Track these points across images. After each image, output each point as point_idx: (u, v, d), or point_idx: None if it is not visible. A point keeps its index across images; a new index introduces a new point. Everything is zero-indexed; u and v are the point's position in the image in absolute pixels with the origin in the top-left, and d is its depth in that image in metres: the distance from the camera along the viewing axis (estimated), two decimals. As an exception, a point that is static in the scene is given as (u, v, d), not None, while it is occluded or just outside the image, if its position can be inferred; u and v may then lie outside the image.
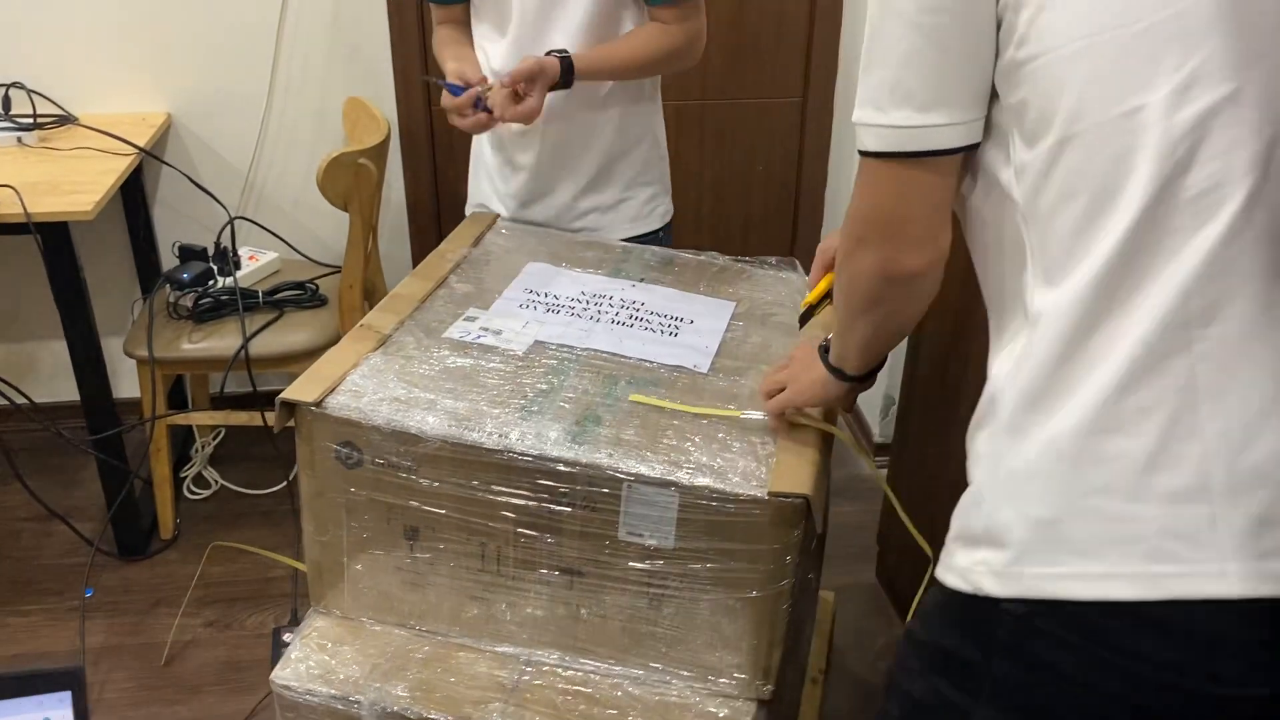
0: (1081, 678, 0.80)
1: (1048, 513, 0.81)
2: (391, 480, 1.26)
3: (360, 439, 1.24)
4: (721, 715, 1.27)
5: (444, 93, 1.67)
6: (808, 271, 1.68)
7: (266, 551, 2.19)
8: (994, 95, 0.87)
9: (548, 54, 1.61)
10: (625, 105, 1.73)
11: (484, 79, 1.66)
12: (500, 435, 1.21)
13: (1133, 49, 0.77)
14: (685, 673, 1.29)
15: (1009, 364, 0.87)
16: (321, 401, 1.24)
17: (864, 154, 0.91)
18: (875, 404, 2.62)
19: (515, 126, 1.70)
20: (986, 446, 0.87)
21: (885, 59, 0.87)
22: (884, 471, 2.25)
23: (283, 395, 1.24)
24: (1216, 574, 0.76)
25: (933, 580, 0.93)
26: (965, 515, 0.89)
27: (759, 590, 1.22)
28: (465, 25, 1.77)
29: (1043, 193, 0.83)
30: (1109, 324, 0.79)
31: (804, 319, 1.31)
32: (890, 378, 2.74)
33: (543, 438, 1.21)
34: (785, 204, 2.79)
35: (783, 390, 1.24)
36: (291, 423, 1.28)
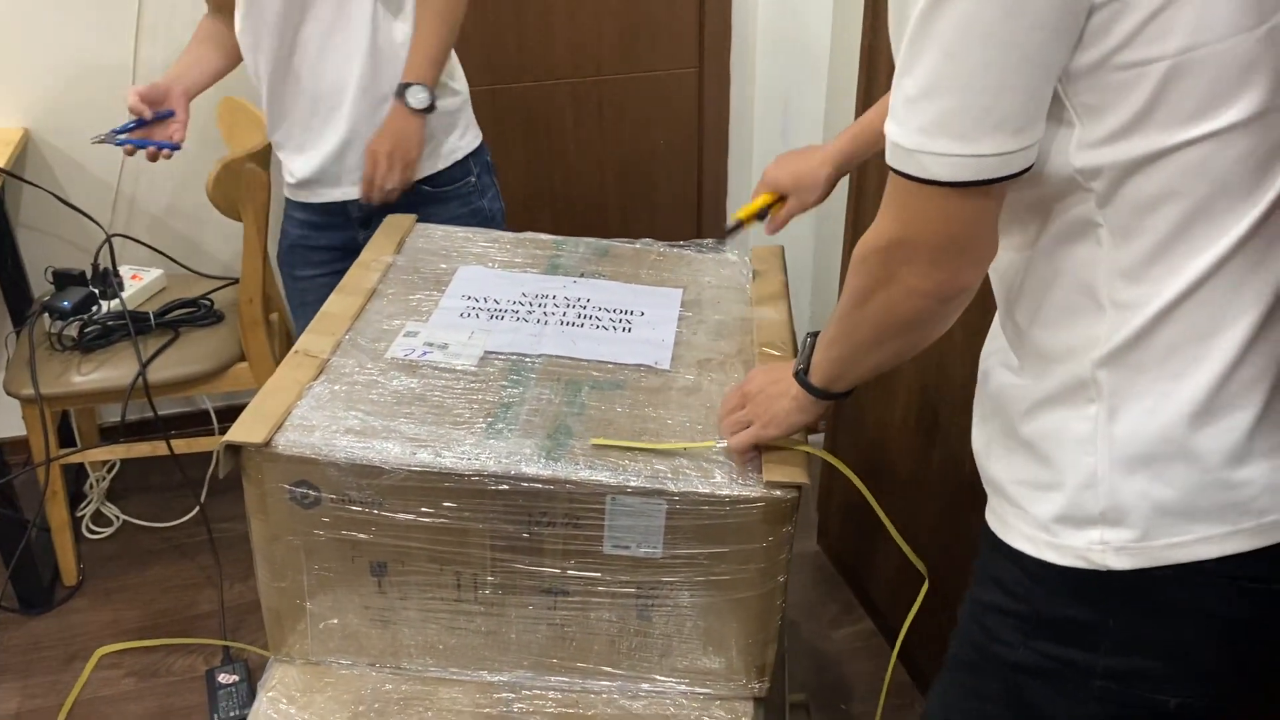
0: (1202, 609, 0.87)
1: (1171, 491, 0.85)
2: (353, 516, 1.18)
3: (316, 477, 1.16)
4: (720, 718, 1.24)
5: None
6: (741, 253, 1.65)
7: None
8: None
9: (397, 94, 1.68)
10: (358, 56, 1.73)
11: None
12: (470, 459, 1.14)
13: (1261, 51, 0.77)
14: (680, 680, 1.25)
15: (1096, 350, 0.86)
16: (270, 441, 1.15)
17: (927, 182, 0.82)
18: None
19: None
20: (1087, 429, 0.88)
21: (970, 82, 0.78)
22: (819, 437, 2.26)
23: (227, 438, 1.14)
24: None
25: (1010, 554, 0.94)
26: (1073, 496, 0.89)
27: (752, 590, 1.18)
28: (226, 16, 1.79)
29: (1130, 184, 0.81)
30: (1220, 314, 0.82)
31: (731, 231, 1.37)
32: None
33: (515, 456, 1.14)
34: (689, 178, 2.75)
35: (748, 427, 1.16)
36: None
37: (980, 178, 0.81)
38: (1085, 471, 0.88)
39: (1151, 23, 0.75)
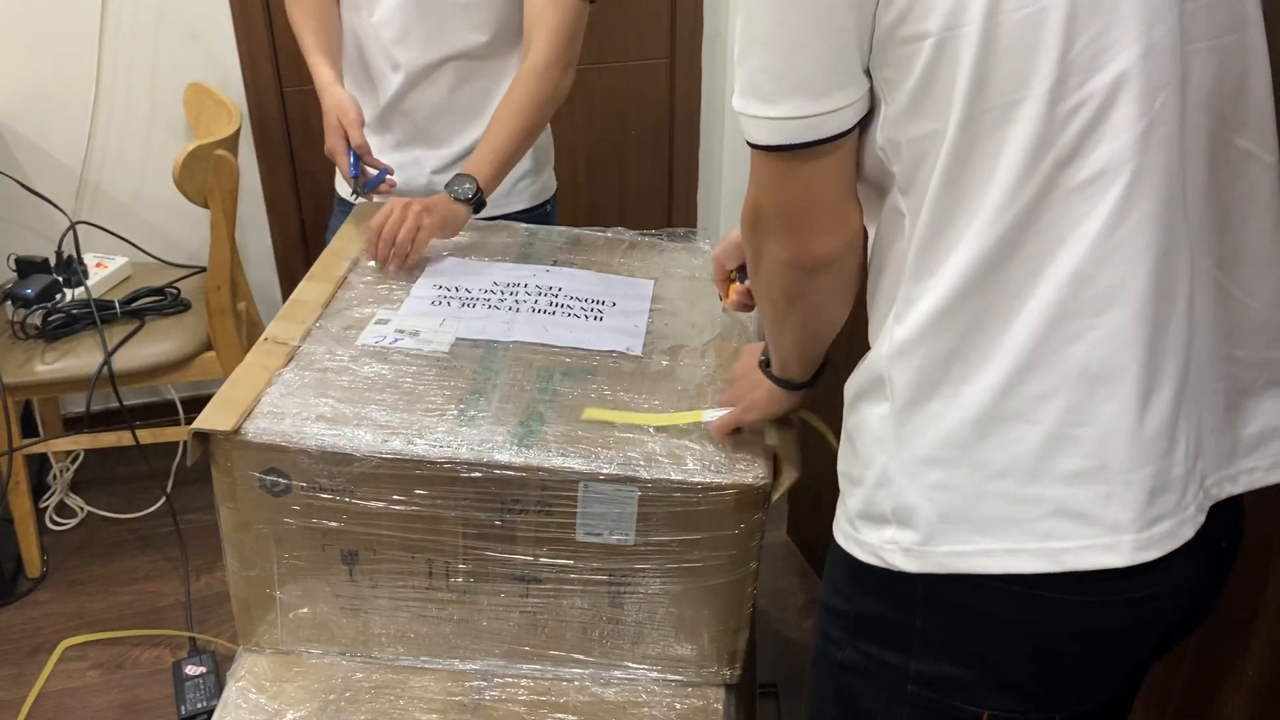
0: (1001, 617, 0.85)
1: (954, 497, 0.83)
2: (324, 504, 1.17)
3: (286, 464, 1.15)
4: (692, 705, 1.24)
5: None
6: (713, 243, 1.65)
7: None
8: None
9: (449, 186, 1.53)
10: (505, 78, 1.67)
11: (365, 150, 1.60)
12: (442, 446, 1.13)
13: (1021, 34, 0.75)
14: (652, 667, 1.25)
15: (888, 345, 0.86)
16: (239, 429, 1.14)
17: (754, 147, 0.84)
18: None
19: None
20: (882, 427, 0.87)
21: (768, 43, 0.79)
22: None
23: (195, 425, 1.13)
24: (1111, 546, 0.80)
25: (837, 551, 0.94)
26: (870, 494, 0.88)
27: (724, 577, 1.19)
28: None
29: (920, 169, 0.81)
30: (999, 314, 0.80)
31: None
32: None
33: (488, 444, 1.14)
34: (659, 168, 2.75)
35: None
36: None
37: (789, 141, 0.81)
38: (879, 469, 0.87)
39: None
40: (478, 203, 1.53)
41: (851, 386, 0.93)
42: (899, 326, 0.84)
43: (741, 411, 1.15)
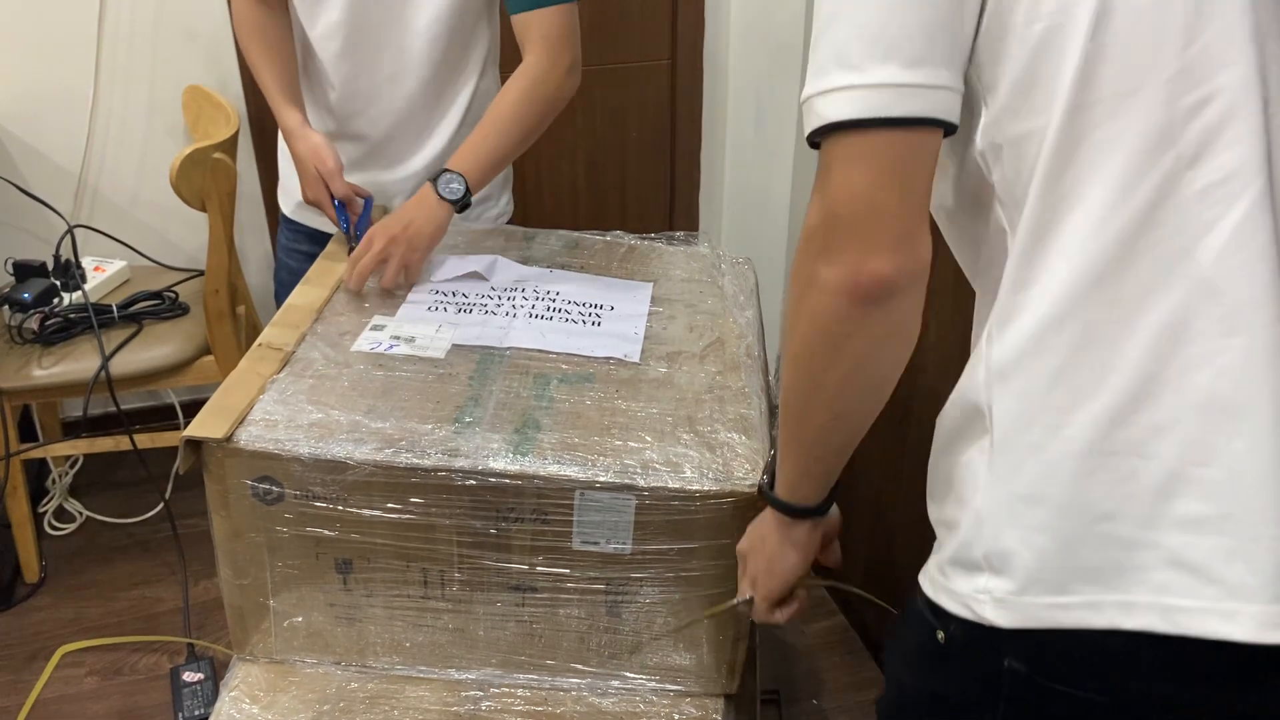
0: (1091, 705, 0.75)
1: (1056, 540, 0.74)
2: (317, 513, 1.15)
3: (279, 472, 1.13)
4: (690, 715, 1.22)
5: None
6: (714, 244, 1.64)
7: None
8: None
9: (435, 182, 1.46)
10: (470, 88, 1.65)
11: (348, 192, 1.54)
12: (436, 454, 1.12)
13: (1139, 18, 0.70)
14: (650, 677, 1.24)
15: (984, 370, 0.78)
16: (232, 436, 1.12)
17: (829, 129, 0.73)
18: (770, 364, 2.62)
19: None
20: (978, 463, 0.79)
21: (860, 8, 0.72)
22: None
23: (187, 433, 1.12)
24: (1230, 614, 0.70)
25: (915, 615, 0.85)
26: (964, 537, 0.79)
27: (723, 586, 1.17)
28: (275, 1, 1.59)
29: (1021, 172, 0.74)
30: (1109, 333, 0.72)
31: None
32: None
33: (483, 451, 1.13)
34: (661, 171, 2.73)
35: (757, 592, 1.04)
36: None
37: (876, 114, 0.72)
38: (974, 510, 0.78)
39: None
40: (463, 204, 1.48)
41: (944, 423, 0.84)
42: (996, 346, 0.76)
43: (765, 588, 1.02)
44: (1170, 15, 0.70)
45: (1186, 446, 0.71)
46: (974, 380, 0.79)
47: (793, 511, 0.96)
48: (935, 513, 0.86)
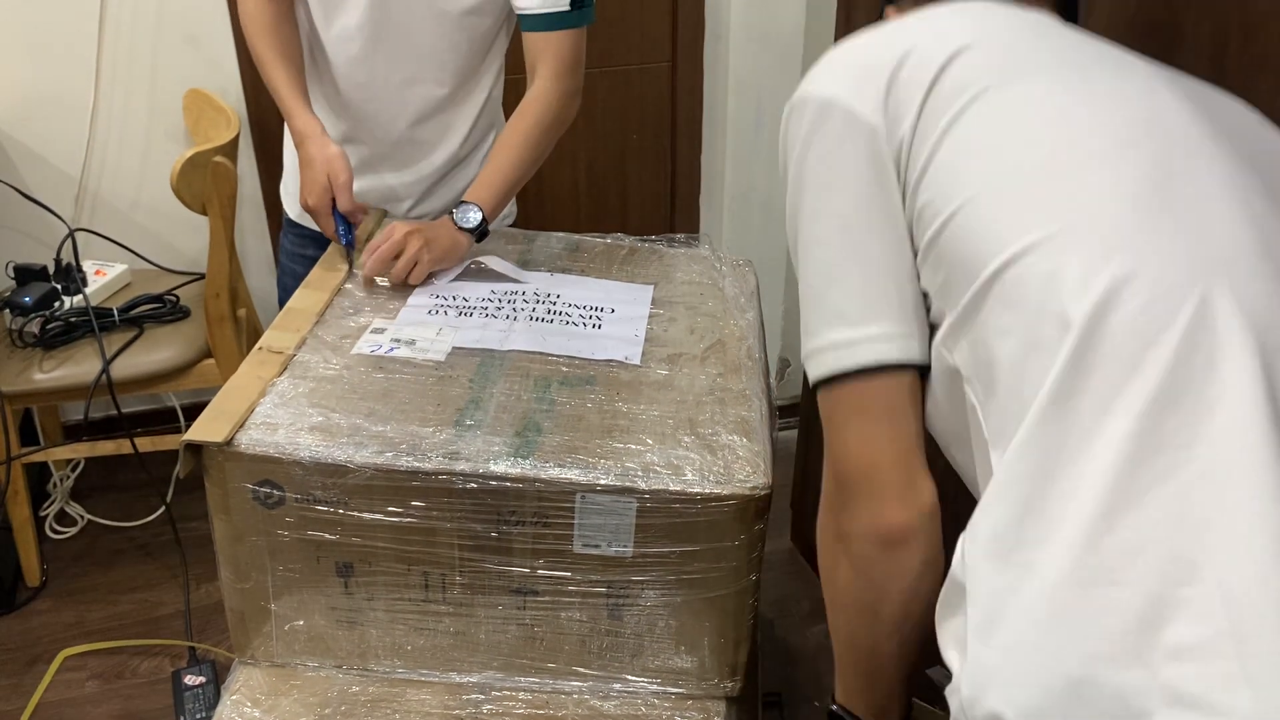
0: None
1: (1041, 689, 0.67)
2: (318, 516, 1.15)
3: (280, 476, 1.13)
4: (692, 718, 1.22)
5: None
6: (715, 246, 1.64)
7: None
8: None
9: (453, 213, 1.48)
10: (484, 95, 1.66)
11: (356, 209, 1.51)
12: (437, 457, 1.12)
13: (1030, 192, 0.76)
14: (652, 680, 1.24)
15: (967, 540, 0.76)
16: (232, 440, 1.12)
17: (816, 389, 0.86)
18: (770, 366, 2.62)
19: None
20: (963, 630, 0.74)
21: (812, 283, 0.86)
22: (793, 433, 2.25)
23: (187, 437, 1.12)
24: None
25: None
26: (954, 709, 0.75)
27: (724, 588, 1.17)
28: None
29: (977, 349, 0.78)
30: (1066, 467, 0.68)
31: None
32: (785, 339, 2.75)
33: (484, 454, 1.13)
34: (661, 173, 2.73)
35: None
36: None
37: (833, 370, 0.83)
38: (958, 676, 0.74)
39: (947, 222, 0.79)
40: (481, 233, 1.50)
41: (939, 596, 0.81)
42: (981, 495, 0.76)
43: None
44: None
45: (1166, 564, 0.65)
46: (956, 558, 0.77)
47: None
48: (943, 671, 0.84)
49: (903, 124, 0.81)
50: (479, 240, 1.51)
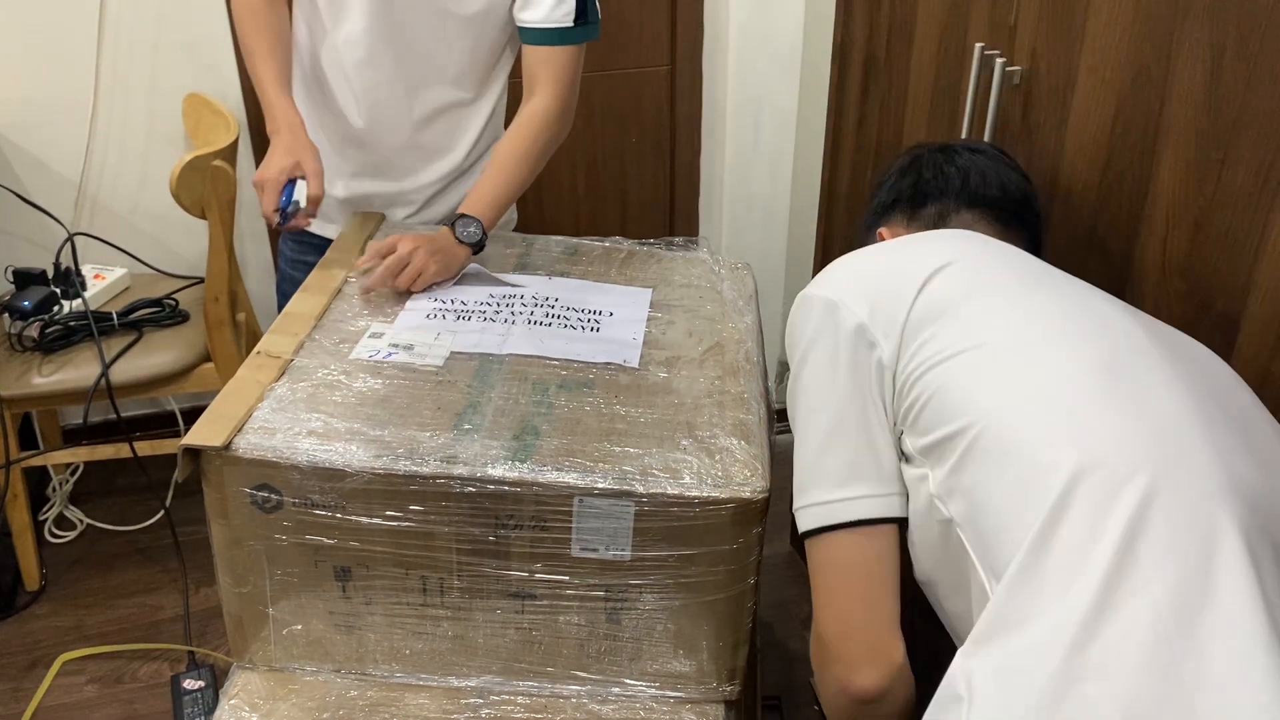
0: None
1: None
2: (316, 520, 1.15)
3: (278, 480, 1.13)
4: (690, 722, 1.22)
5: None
6: (713, 250, 1.64)
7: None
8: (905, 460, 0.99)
9: (454, 226, 1.47)
10: (490, 105, 1.66)
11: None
12: (435, 461, 1.12)
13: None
14: (650, 683, 1.24)
15: (971, 661, 0.84)
16: (230, 444, 1.12)
17: (805, 539, 1.00)
18: (769, 369, 2.61)
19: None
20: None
21: (808, 446, 1.01)
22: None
23: (185, 441, 1.12)
24: None
25: None
26: None
27: (723, 592, 1.17)
28: None
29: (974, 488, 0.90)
30: (1072, 561, 0.81)
31: None
32: (784, 342, 2.74)
33: (482, 458, 1.13)
34: (660, 177, 2.73)
35: None
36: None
37: (818, 524, 0.98)
38: None
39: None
40: (479, 245, 1.50)
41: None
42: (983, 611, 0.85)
43: None
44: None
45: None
46: (958, 669, 0.85)
47: None
48: None
49: (893, 326, 0.98)
50: (476, 253, 1.50)
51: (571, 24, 1.51)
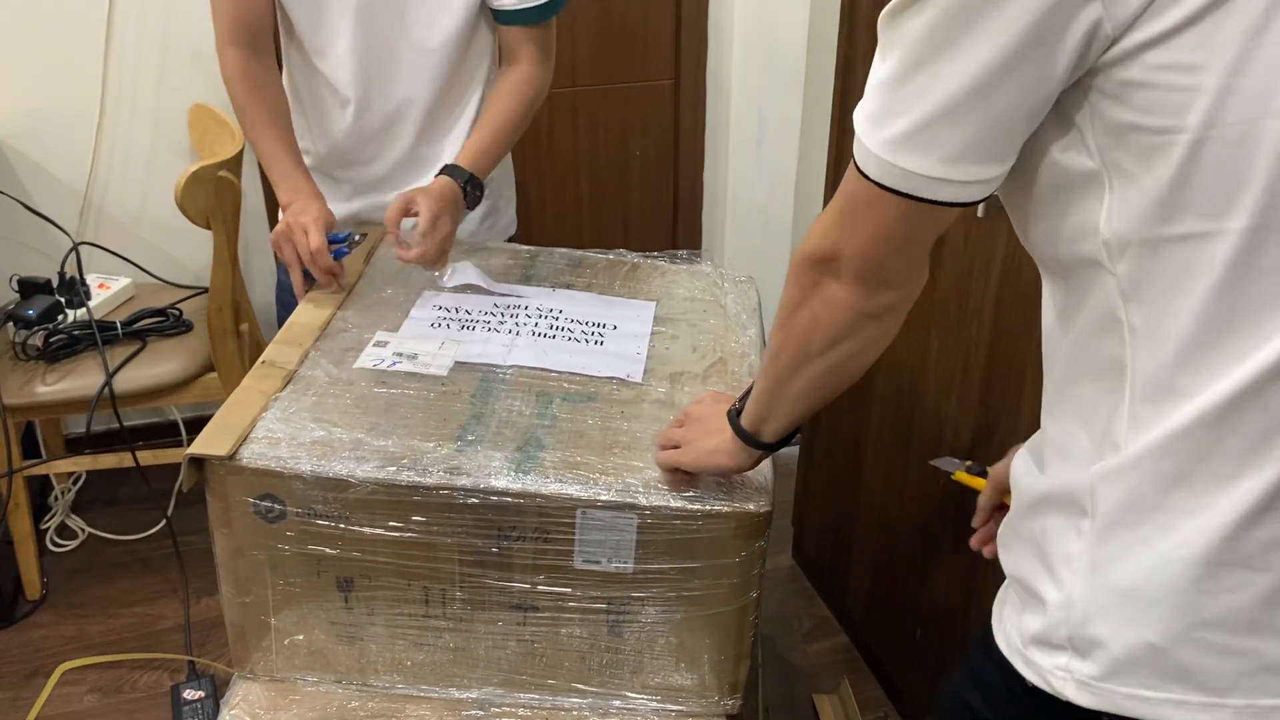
0: None
1: (1151, 637, 0.74)
2: (319, 531, 1.15)
3: (281, 490, 1.13)
4: (692, 736, 1.22)
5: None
6: (717, 263, 1.64)
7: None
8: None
9: (448, 172, 1.53)
10: (468, 112, 1.68)
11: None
12: (438, 472, 1.12)
13: None
14: (651, 696, 1.23)
15: (1098, 467, 0.76)
16: (234, 454, 1.12)
17: (861, 174, 0.77)
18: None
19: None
20: (1074, 545, 0.78)
21: (919, 95, 0.71)
22: (794, 450, 2.25)
23: (190, 450, 1.12)
24: None
25: (994, 651, 0.87)
26: (1052, 618, 0.80)
27: (725, 605, 1.17)
28: (266, 49, 1.57)
29: (1162, 277, 0.70)
30: (1248, 446, 0.70)
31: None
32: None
33: (485, 470, 1.13)
34: (664, 189, 2.74)
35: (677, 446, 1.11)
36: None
37: (902, 190, 0.75)
38: (1065, 590, 0.79)
39: (1170, 89, 0.66)
40: (474, 199, 1.55)
41: (1032, 488, 0.84)
42: (1119, 452, 0.75)
43: (687, 457, 1.10)
44: None
45: None
46: (1081, 471, 0.78)
47: (751, 441, 1.05)
48: (1011, 567, 0.87)
49: None
50: (472, 208, 1.56)
51: (543, 1, 1.58)
